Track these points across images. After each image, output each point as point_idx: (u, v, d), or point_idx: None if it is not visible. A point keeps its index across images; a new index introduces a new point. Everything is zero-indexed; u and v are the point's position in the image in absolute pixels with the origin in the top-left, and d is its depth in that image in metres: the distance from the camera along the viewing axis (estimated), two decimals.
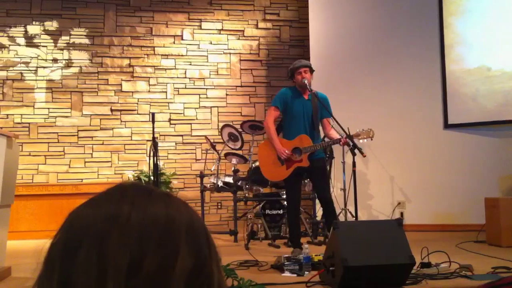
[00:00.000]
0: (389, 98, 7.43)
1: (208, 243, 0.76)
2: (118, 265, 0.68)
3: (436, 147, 7.27)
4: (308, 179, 5.91)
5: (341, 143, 5.01)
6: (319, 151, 5.19)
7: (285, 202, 6.42)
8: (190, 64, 8.49)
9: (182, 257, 0.71)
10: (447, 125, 7.27)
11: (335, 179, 7.06)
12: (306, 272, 4.12)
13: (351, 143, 4.95)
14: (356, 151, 4.97)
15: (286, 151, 5.04)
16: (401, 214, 7.17)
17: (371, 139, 5.11)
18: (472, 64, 7.18)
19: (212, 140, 7.20)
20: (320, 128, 5.32)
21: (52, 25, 8.12)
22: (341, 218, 6.60)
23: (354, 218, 5.57)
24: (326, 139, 5.46)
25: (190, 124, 8.39)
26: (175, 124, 8.34)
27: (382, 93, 7.46)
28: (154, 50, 8.41)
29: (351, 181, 5.50)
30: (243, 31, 8.72)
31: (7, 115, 7.89)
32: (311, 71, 5.22)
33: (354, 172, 5.38)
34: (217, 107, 8.50)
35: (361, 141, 5.11)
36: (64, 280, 0.69)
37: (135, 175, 7.74)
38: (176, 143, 8.32)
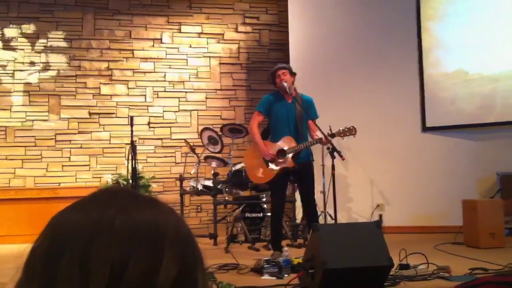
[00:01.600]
0: (368, 101, 7.47)
1: (193, 250, 0.74)
2: (101, 272, 0.66)
3: (415, 150, 7.33)
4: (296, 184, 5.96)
5: (322, 142, 5.04)
6: (306, 154, 5.20)
7: (265, 205, 6.44)
8: (170, 68, 8.45)
9: (166, 263, 0.69)
10: (425, 128, 7.33)
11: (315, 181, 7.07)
12: (285, 275, 4.12)
13: (330, 146, 4.98)
14: (335, 154, 5.00)
15: (270, 152, 5.07)
16: (380, 216, 7.20)
17: (354, 136, 5.13)
18: (450, 68, 7.26)
19: (191, 144, 7.17)
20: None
21: (30, 28, 8.03)
22: (321, 220, 6.61)
23: (333, 221, 5.59)
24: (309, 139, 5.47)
25: (170, 127, 8.35)
26: (154, 127, 8.30)
27: (361, 96, 7.51)
28: (133, 53, 8.36)
29: (330, 183, 5.52)
30: (223, 34, 8.71)
31: None
32: (291, 73, 5.24)
33: (333, 175, 5.40)
34: (197, 110, 8.48)
35: (344, 138, 5.13)
36: (45, 286, 0.67)
37: (114, 178, 7.68)
38: (155, 147, 8.28)
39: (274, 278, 4.11)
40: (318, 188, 6.98)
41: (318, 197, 6.82)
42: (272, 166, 5.13)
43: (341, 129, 5.09)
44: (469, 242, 5.75)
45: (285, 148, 5.07)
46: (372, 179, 7.39)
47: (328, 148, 5.11)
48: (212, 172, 6.65)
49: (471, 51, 7.10)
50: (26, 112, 7.92)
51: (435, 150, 7.27)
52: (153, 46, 8.44)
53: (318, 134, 5.11)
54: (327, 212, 6.71)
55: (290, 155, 5.05)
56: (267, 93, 5.50)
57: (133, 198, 0.75)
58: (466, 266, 4.30)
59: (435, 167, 7.22)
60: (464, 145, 7.16)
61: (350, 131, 5.08)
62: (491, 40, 6.99)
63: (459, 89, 7.19)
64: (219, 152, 6.87)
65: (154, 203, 0.75)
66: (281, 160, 5.08)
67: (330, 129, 5.01)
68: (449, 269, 4.06)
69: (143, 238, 0.69)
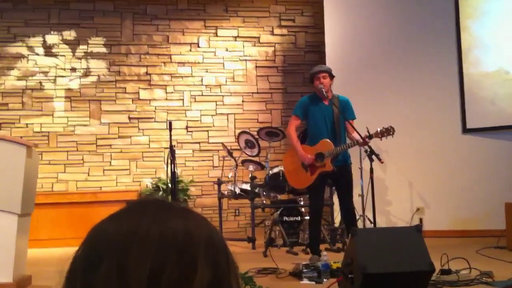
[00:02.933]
0: (407, 102, 7.38)
1: (226, 258, 0.77)
2: (139, 279, 0.69)
3: (455, 152, 7.20)
4: (334, 187, 5.92)
5: (360, 143, 4.99)
6: (344, 157, 5.16)
7: (303, 209, 6.43)
8: (207, 71, 8.52)
9: (201, 270, 0.72)
10: (465, 130, 7.20)
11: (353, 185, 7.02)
12: (324, 280, 4.11)
13: (367, 147, 4.94)
14: (373, 157, 4.96)
15: (309, 156, 5.05)
16: (420, 220, 7.10)
17: (392, 136, 5.05)
18: (490, 67, 7.11)
19: (229, 147, 7.21)
20: None
21: (70, 34, 8.21)
22: (360, 224, 6.56)
23: (372, 225, 5.54)
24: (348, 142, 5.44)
25: (207, 131, 8.42)
26: (192, 131, 8.38)
27: (399, 97, 7.42)
28: (170, 58, 8.46)
29: (369, 187, 5.48)
30: (258, 37, 8.74)
31: (27, 124, 7.99)
32: (331, 76, 5.22)
33: (371, 178, 5.35)
34: (234, 114, 8.52)
35: (382, 139, 5.06)
36: None
37: (153, 182, 7.79)
38: (193, 151, 8.35)
39: (313, 282, 4.11)
40: (356, 191, 6.92)
41: (356, 200, 6.78)
42: (310, 170, 5.11)
43: (379, 129, 5.03)
44: None
45: (323, 151, 5.05)
46: (411, 182, 7.29)
47: (366, 151, 5.07)
48: (250, 175, 6.67)
49: (511, 50, 6.94)
50: (67, 117, 8.10)
51: (476, 152, 7.13)
52: (190, 50, 8.52)
53: (356, 136, 5.06)
54: (366, 216, 6.66)
55: (328, 159, 5.02)
56: (303, 96, 5.49)
57: (166, 208, 0.78)
58: (510, 271, 4.21)
59: (476, 169, 7.08)
60: (505, 146, 7.00)
61: (388, 131, 5.01)
62: None
63: (499, 89, 7.04)
64: (256, 156, 6.89)
65: (186, 213, 0.79)
66: (319, 164, 5.06)
67: (368, 130, 4.97)
68: (492, 274, 3.99)
69: (178, 246, 0.73)
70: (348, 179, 5.18)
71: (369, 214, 6.42)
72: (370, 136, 4.95)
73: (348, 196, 5.14)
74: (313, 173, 5.10)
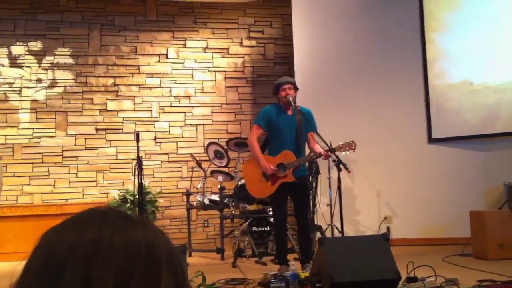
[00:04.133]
0: (374, 113, 7.48)
1: (182, 268, 0.78)
2: None
3: (421, 161, 7.31)
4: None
5: (323, 157, 5.03)
6: (303, 169, 5.20)
7: (272, 219, 6.42)
8: (175, 83, 8.50)
9: (165, 280, 0.73)
10: (431, 140, 7.32)
11: (321, 194, 7.05)
12: None
13: (334, 158, 4.98)
14: (341, 166, 4.99)
15: (271, 167, 5.05)
16: (388, 228, 7.17)
17: (354, 151, 5.10)
18: (455, 79, 7.26)
19: (198, 158, 7.19)
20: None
21: (36, 45, 8.10)
22: (328, 234, 6.59)
23: (340, 234, 5.57)
24: (309, 153, 5.48)
25: (176, 142, 8.38)
26: (160, 142, 8.33)
27: (366, 109, 7.51)
28: (139, 69, 8.41)
29: (336, 196, 5.51)
30: (228, 49, 8.76)
31: None
32: (295, 88, 5.26)
33: (339, 187, 5.38)
34: (203, 125, 8.51)
35: (344, 153, 5.10)
36: None
37: (121, 194, 7.70)
38: (161, 162, 8.30)
39: None
40: (324, 201, 6.98)
41: (325, 210, 6.83)
42: (271, 181, 5.11)
43: (340, 143, 5.07)
44: (477, 254, 5.71)
45: (285, 162, 5.06)
46: (379, 191, 7.37)
47: (334, 161, 5.10)
48: (219, 186, 6.66)
49: (476, 61, 7.10)
50: (33, 129, 7.97)
51: (442, 161, 7.25)
52: (158, 61, 8.49)
53: (318, 148, 5.11)
54: (334, 225, 6.69)
55: (290, 169, 5.04)
56: (266, 106, 5.50)
57: (124, 218, 0.78)
58: (475, 277, 4.27)
59: (442, 178, 7.19)
60: (470, 156, 7.14)
61: (349, 146, 5.06)
62: (496, 50, 6.99)
63: (464, 100, 7.18)
64: (225, 166, 6.88)
65: (145, 223, 0.79)
66: (280, 175, 5.07)
67: (330, 144, 4.99)
68: (458, 281, 4.04)
69: (141, 257, 0.73)
70: (304, 191, 5.24)
71: (337, 223, 6.45)
72: (332, 150, 4.97)
73: (304, 207, 5.20)
74: (274, 183, 5.10)
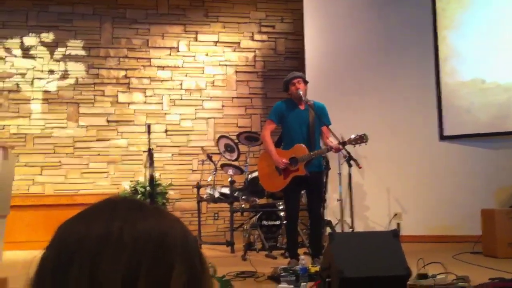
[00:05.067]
0: (385, 109, 7.46)
1: (200, 259, 0.76)
2: (113, 282, 0.68)
3: (432, 158, 7.29)
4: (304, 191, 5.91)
5: (333, 150, 5.02)
6: (317, 164, 5.19)
7: (282, 213, 6.44)
8: (186, 76, 8.51)
9: (177, 272, 0.71)
10: (442, 137, 7.30)
11: (331, 190, 7.06)
12: (303, 284, 4.12)
13: (345, 153, 4.97)
14: (352, 162, 4.99)
15: (283, 160, 5.06)
16: (398, 225, 7.17)
17: (365, 144, 5.06)
18: (466, 77, 7.23)
19: (208, 151, 7.21)
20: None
21: (48, 36, 8.14)
22: (338, 229, 6.60)
23: (350, 229, 5.58)
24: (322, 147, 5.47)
25: (187, 135, 8.40)
26: (171, 135, 8.36)
27: (378, 104, 7.49)
28: (150, 62, 8.43)
29: (347, 192, 5.52)
30: (239, 43, 8.76)
31: (3, 126, 7.89)
32: (305, 82, 5.26)
33: (350, 183, 5.38)
34: (214, 118, 8.52)
35: (355, 147, 5.08)
36: None
37: (132, 186, 7.73)
38: (172, 154, 8.33)
39: (291, 286, 4.11)
40: (334, 196, 6.98)
41: (335, 205, 6.84)
42: (284, 174, 5.12)
43: (352, 136, 5.04)
44: (487, 252, 5.70)
45: (297, 156, 5.07)
46: (389, 188, 7.36)
47: (344, 157, 5.10)
48: (229, 179, 6.67)
49: (487, 60, 7.07)
50: (45, 119, 8.02)
51: (453, 159, 7.23)
52: (170, 54, 8.50)
53: (331, 141, 5.10)
54: (344, 221, 6.70)
55: (302, 163, 5.04)
56: (279, 101, 5.50)
57: (137, 208, 0.76)
58: (485, 275, 4.26)
59: (453, 176, 7.17)
60: (481, 154, 7.11)
61: (361, 139, 5.02)
62: (508, 48, 6.95)
63: (475, 98, 7.15)
64: (235, 160, 6.90)
65: (159, 213, 0.77)
66: (293, 168, 5.08)
67: (342, 138, 5.00)
68: (468, 278, 4.03)
69: (152, 248, 0.71)
70: (319, 186, 5.23)
71: (347, 218, 6.47)
72: (344, 143, 4.96)
73: (317, 202, 5.19)
74: (287, 176, 5.11)
